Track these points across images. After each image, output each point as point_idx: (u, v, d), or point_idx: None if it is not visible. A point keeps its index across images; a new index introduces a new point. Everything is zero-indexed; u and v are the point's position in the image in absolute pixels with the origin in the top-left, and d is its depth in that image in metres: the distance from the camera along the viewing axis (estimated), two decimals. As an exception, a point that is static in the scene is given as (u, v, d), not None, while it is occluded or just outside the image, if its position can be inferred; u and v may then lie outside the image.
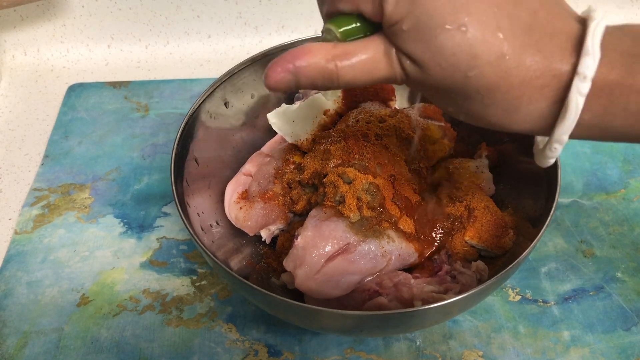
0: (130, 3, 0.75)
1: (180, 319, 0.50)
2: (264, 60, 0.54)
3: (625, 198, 0.59)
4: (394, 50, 0.28)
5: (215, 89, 0.51)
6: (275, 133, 0.53)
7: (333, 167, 0.45)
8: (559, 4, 0.28)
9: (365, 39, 0.29)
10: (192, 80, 0.74)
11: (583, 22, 0.28)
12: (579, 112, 0.27)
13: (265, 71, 0.29)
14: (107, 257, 0.54)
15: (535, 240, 0.39)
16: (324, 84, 0.29)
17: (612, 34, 0.27)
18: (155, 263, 0.54)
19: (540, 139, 0.32)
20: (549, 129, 0.29)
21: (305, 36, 0.55)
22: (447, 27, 0.26)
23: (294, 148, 0.52)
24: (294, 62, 0.28)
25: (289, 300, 0.37)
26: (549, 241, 0.55)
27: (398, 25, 0.27)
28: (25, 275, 0.53)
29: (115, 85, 0.73)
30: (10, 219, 0.58)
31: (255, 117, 0.56)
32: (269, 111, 0.54)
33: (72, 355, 0.48)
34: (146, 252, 0.55)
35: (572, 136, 0.29)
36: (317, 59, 0.28)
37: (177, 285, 0.52)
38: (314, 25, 0.78)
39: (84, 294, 0.52)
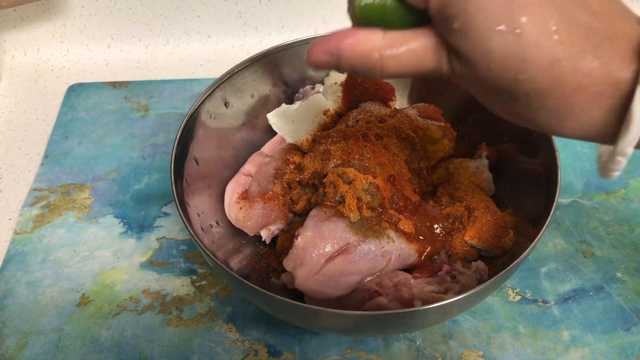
0: (130, 3, 0.75)
1: (180, 319, 0.50)
2: (264, 60, 0.54)
3: (625, 198, 0.59)
4: (444, 45, 0.27)
5: (215, 89, 0.51)
6: (275, 133, 0.53)
7: (333, 167, 0.45)
8: (620, 5, 0.26)
9: (414, 30, 0.27)
10: (192, 80, 0.74)
11: None
12: None
13: (309, 47, 0.28)
14: (107, 257, 0.54)
15: (535, 240, 0.39)
16: (365, 72, 0.28)
17: None
18: (155, 263, 0.54)
19: (604, 149, 0.30)
20: (606, 137, 0.27)
21: (305, 36, 0.55)
22: (501, 28, 0.24)
23: (294, 148, 0.52)
24: (338, 46, 0.27)
25: (289, 300, 0.37)
26: (549, 241, 0.55)
27: (449, 22, 0.26)
28: (25, 275, 0.53)
29: (115, 85, 0.73)
30: (10, 219, 0.58)
31: (255, 117, 0.56)
32: (269, 111, 0.54)
33: (72, 355, 0.48)
34: (146, 252, 0.55)
35: (638, 146, 0.27)
36: (363, 47, 0.27)
37: (177, 285, 0.52)
38: (314, 25, 0.78)
39: (84, 294, 0.52)
